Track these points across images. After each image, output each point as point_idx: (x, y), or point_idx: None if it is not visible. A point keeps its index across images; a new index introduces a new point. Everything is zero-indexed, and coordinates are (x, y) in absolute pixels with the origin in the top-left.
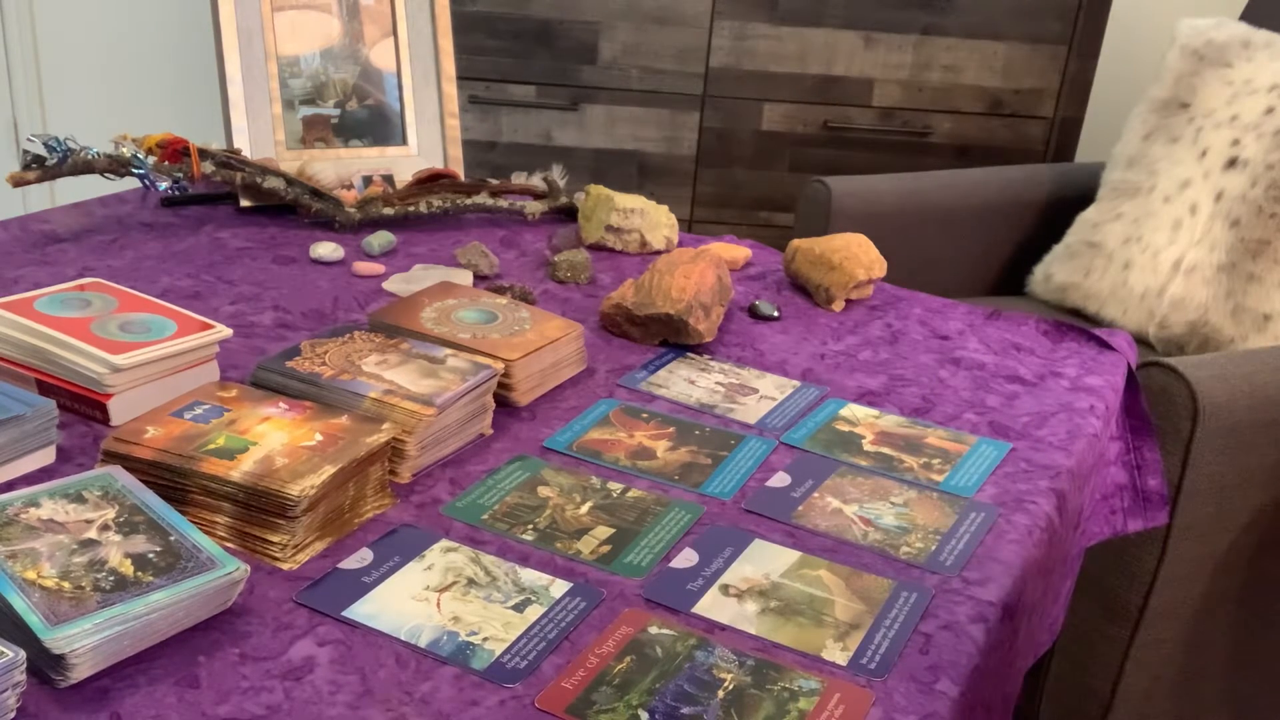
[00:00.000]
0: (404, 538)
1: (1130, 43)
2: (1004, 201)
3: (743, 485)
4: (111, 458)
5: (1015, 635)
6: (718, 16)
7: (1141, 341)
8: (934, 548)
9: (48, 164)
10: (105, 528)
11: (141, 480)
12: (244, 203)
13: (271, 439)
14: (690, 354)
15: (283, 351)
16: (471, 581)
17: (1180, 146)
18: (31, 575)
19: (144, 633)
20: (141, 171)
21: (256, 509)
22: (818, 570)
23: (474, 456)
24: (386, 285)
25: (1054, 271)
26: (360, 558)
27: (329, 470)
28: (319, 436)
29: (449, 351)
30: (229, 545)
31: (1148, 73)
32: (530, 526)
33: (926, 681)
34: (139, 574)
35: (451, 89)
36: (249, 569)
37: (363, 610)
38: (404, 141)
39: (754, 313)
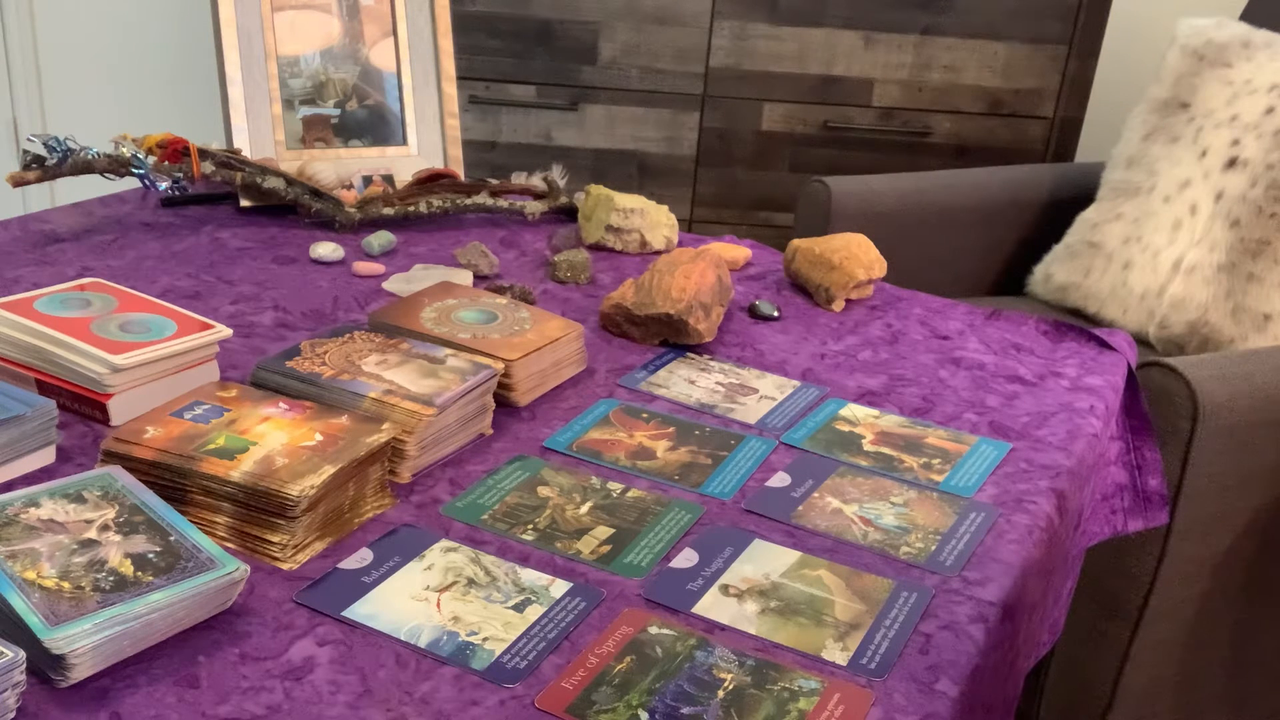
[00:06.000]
0: (404, 538)
1: (1130, 43)
2: (1004, 201)
3: (743, 485)
4: (111, 458)
5: (1015, 635)
6: (718, 16)
7: (1141, 341)
8: (934, 548)
9: (48, 164)
10: (105, 528)
11: (141, 480)
12: (244, 203)
13: (271, 439)
14: (690, 354)
15: (283, 351)
16: (471, 581)
17: (1180, 146)
18: (31, 575)
19: (144, 633)
20: (141, 171)
21: (256, 509)
22: (818, 570)
23: (474, 456)
24: (386, 285)
25: (1054, 271)
26: (360, 558)
27: (329, 470)
28: (319, 436)
29: (449, 351)
30: (229, 545)
31: (1148, 73)
32: (530, 526)
33: (926, 681)
34: (139, 574)
35: (451, 89)
36: (249, 569)
37: (363, 610)
38: (404, 141)
39: (754, 313)
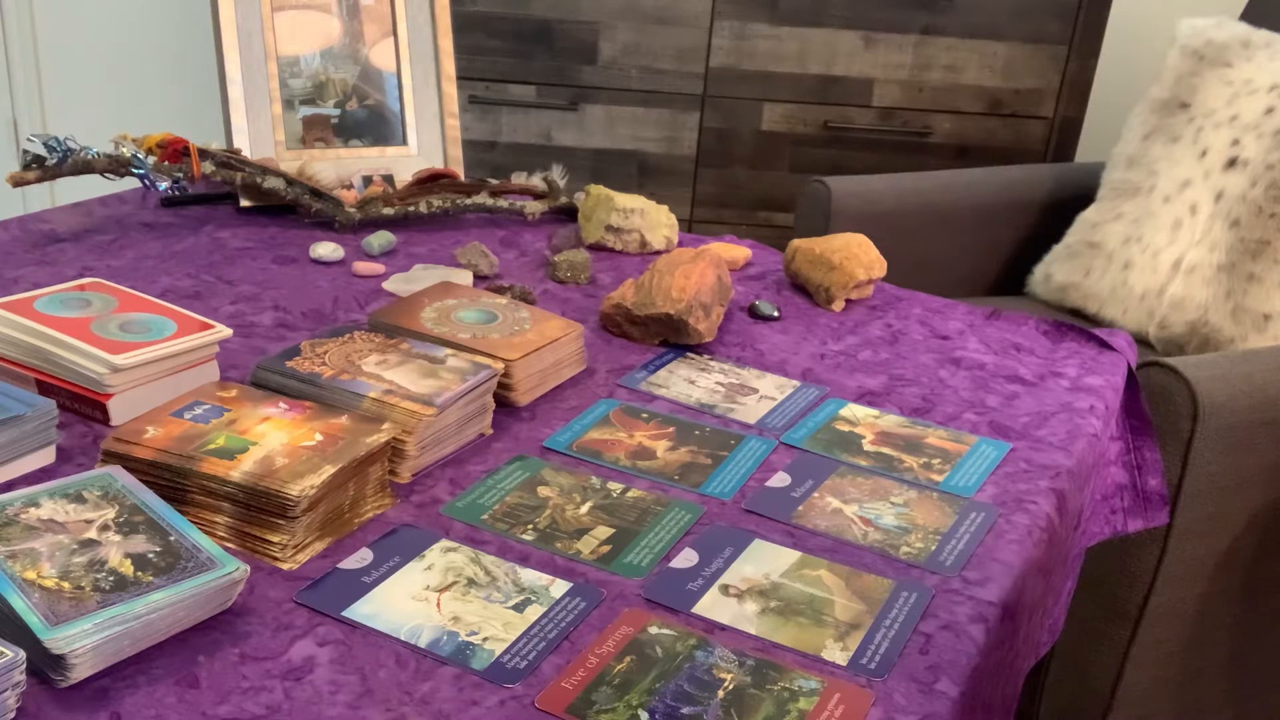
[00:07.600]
0: (404, 538)
1: (1130, 43)
2: (1004, 201)
3: (743, 485)
4: (111, 458)
5: (1015, 635)
6: (718, 16)
7: (1141, 341)
8: (934, 548)
9: (48, 164)
10: (105, 528)
11: (141, 480)
12: (244, 203)
13: (271, 439)
14: (690, 354)
15: (283, 351)
16: (471, 581)
17: (1180, 146)
18: (31, 575)
19: (144, 633)
20: (141, 171)
21: (256, 509)
22: (818, 570)
23: (474, 456)
24: (386, 285)
25: (1054, 271)
26: (360, 558)
27: (329, 470)
28: (319, 436)
29: (449, 351)
30: (229, 545)
31: (1148, 73)
32: (530, 526)
33: (926, 681)
34: (139, 574)
35: (451, 89)
36: (249, 569)
37: (363, 610)
38: (404, 141)
39: (754, 313)
